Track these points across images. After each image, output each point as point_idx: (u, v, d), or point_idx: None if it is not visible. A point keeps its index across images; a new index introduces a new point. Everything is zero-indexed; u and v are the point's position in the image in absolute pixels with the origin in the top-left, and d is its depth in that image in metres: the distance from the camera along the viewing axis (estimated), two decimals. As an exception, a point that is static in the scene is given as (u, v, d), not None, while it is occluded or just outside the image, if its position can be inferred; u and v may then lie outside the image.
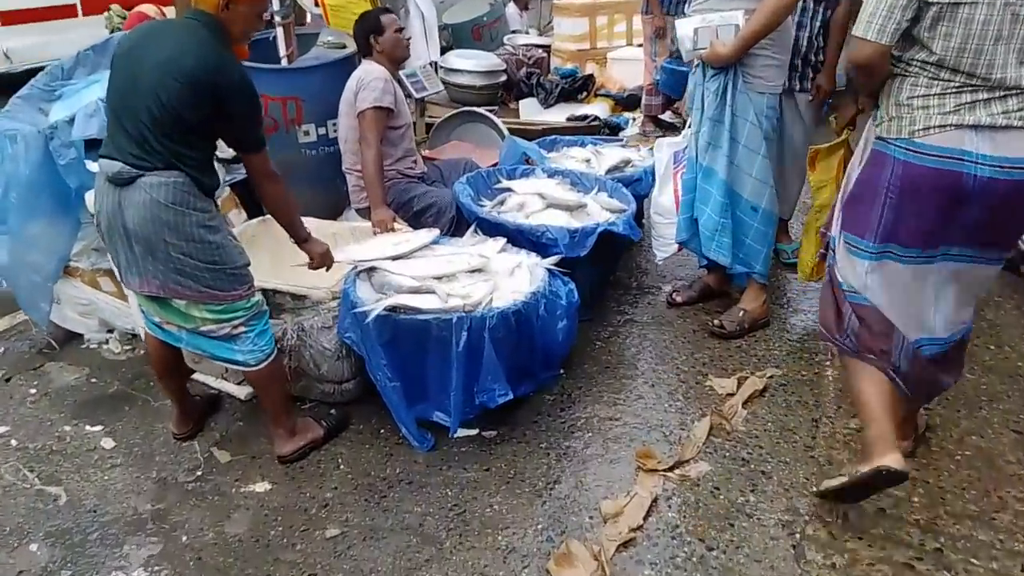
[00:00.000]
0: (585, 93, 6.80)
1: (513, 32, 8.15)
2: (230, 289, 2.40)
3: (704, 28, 2.89)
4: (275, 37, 3.99)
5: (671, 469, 2.47)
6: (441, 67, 6.10)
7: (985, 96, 1.89)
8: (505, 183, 3.69)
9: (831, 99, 3.53)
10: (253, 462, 2.67)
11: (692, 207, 3.20)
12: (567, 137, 4.40)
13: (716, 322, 3.25)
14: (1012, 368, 3.01)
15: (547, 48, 7.45)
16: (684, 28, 2.99)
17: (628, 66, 7.12)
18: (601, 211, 3.38)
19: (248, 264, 2.47)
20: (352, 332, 2.65)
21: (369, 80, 3.32)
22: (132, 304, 3.09)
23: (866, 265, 2.09)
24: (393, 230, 3.19)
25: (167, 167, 2.26)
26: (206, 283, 2.35)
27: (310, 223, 3.40)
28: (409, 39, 3.61)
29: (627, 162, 3.95)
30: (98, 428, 2.89)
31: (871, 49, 1.95)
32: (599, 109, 6.51)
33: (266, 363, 2.52)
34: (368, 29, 3.49)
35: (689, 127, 3.26)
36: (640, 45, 6.59)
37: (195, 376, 3.02)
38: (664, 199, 3.45)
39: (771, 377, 2.93)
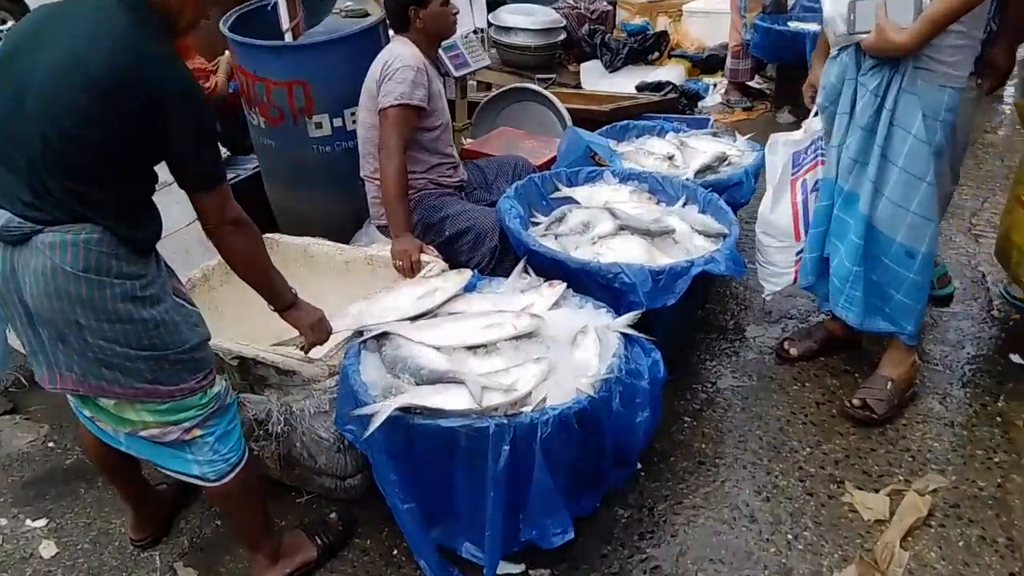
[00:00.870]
0: (657, 54, 5.88)
1: (574, -18, 7.17)
2: (178, 382, 1.70)
3: (865, 1, 1.99)
4: (275, 4, 3.19)
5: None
6: (491, 24, 5.24)
7: None
8: (565, 191, 2.88)
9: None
10: (226, 590, 2.01)
11: (823, 243, 2.35)
12: (641, 122, 3.53)
13: (856, 401, 2.40)
14: None
15: (612, 1, 6.48)
16: (834, 2, 2.10)
17: (707, 21, 6.18)
18: (692, 235, 2.56)
19: (205, 341, 1.77)
20: (354, 426, 1.92)
21: (396, 68, 2.53)
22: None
23: None
24: (418, 266, 2.43)
25: (74, 219, 1.55)
26: (141, 377, 1.66)
27: (316, 248, 2.69)
28: (457, 12, 2.78)
29: (722, 159, 3.09)
30: (41, 523, 2.26)
31: None
32: (674, 73, 5.59)
33: (232, 476, 1.83)
34: (409, -1, 2.64)
35: (814, 116, 2.40)
36: (724, -4, 5.60)
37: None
38: (778, 217, 2.59)
39: (935, 491, 2.11)
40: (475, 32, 4.29)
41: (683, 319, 2.59)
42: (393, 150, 2.51)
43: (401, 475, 1.84)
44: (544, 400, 1.81)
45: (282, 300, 1.90)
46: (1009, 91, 4.39)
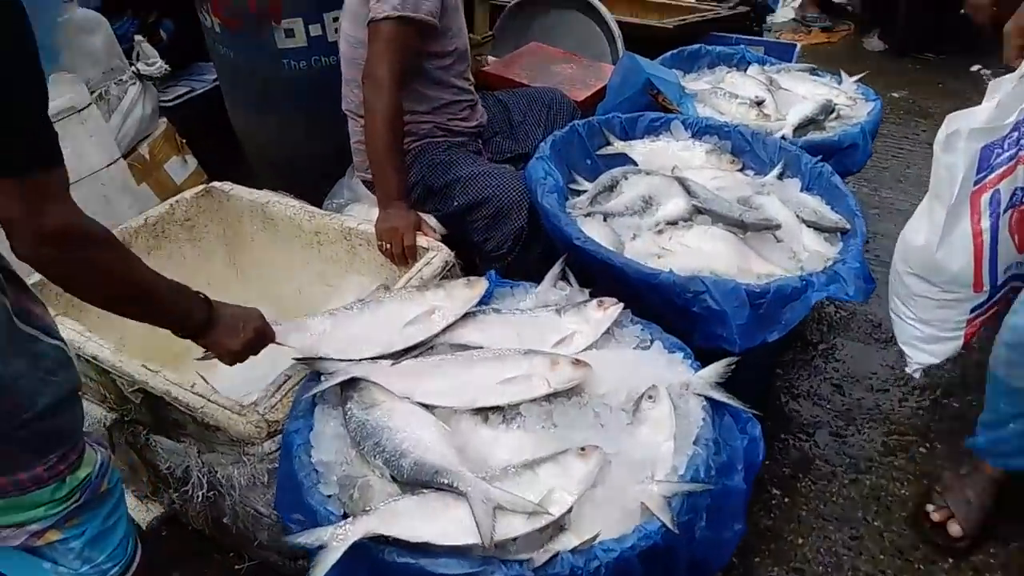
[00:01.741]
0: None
1: None
2: (14, 469, 1.05)
3: None
4: None
5: None
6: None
7: None
8: (618, 146, 2.13)
9: None
10: None
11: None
12: (716, 47, 2.72)
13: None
14: None
15: None
16: None
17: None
18: (799, 227, 1.83)
19: (69, 396, 1.10)
20: (303, 515, 1.27)
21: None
22: None
23: None
24: (412, 253, 1.73)
25: None
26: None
27: (277, 208, 1.97)
28: None
29: (828, 110, 2.31)
30: None
31: None
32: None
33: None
34: None
35: (1021, 78, 1.59)
36: None
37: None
38: (948, 254, 1.64)
39: None
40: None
41: (775, 355, 1.89)
42: (384, 82, 1.75)
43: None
44: (595, 536, 1.14)
45: (188, 322, 1.25)
46: None
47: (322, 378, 1.36)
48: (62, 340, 1.08)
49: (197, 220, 2.06)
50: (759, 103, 2.32)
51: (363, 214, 2.10)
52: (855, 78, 2.52)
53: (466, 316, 1.49)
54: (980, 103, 1.57)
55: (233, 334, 1.32)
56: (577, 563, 1.10)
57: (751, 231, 1.77)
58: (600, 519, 1.17)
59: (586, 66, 2.81)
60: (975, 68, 3.01)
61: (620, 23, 3.06)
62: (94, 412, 1.53)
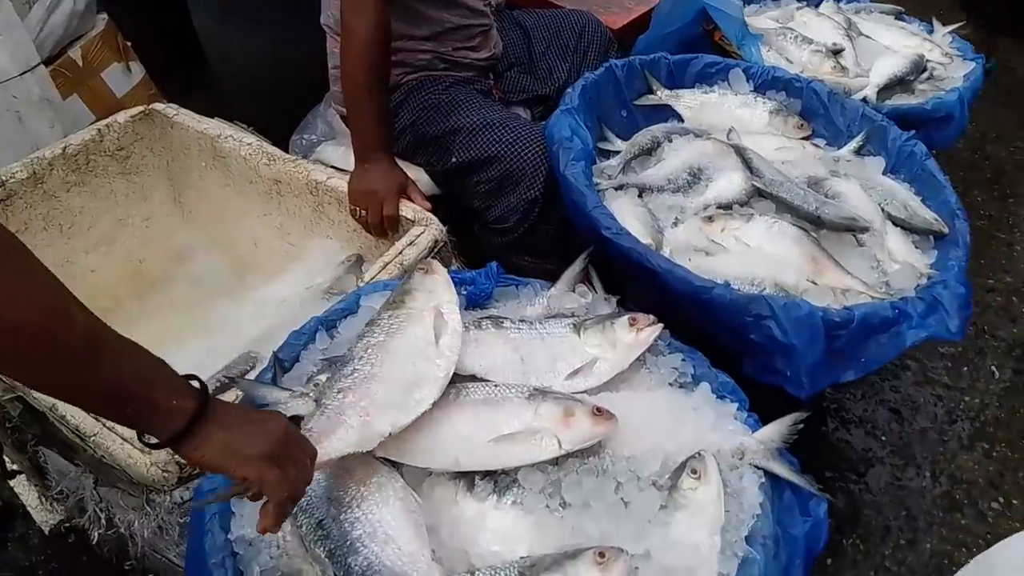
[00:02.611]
0: None
1: None
2: None
3: None
4: None
5: None
6: None
7: None
8: (662, 95, 1.71)
9: None
10: None
11: None
12: (782, -27, 2.24)
13: None
14: None
15: None
16: None
17: None
18: (885, 228, 1.44)
19: None
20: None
21: None
22: None
23: None
24: (392, 225, 1.35)
25: None
26: None
27: (231, 143, 1.56)
28: None
29: (919, 68, 1.88)
30: None
31: None
32: None
33: None
34: None
35: None
36: None
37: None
38: None
39: None
40: None
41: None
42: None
43: None
44: None
45: (164, 425, 0.72)
46: None
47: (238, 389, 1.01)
48: None
49: (133, 150, 1.66)
50: (835, 52, 1.89)
51: (339, 158, 1.71)
52: (949, 28, 2.07)
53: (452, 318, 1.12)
54: None
55: (251, 438, 0.75)
56: None
57: (827, 230, 1.39)
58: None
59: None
60: None
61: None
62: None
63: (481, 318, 1.16)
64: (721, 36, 1.86)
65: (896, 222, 1.46)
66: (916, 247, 1.44)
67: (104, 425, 1.04)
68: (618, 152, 1.60)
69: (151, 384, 0.70)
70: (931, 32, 2.08)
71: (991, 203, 2.43)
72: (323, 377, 1.07)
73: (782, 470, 1.04)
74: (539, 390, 1.05)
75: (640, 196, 1.48)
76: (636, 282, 1.27)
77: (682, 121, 1.69)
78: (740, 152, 1.51)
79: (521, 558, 0.91)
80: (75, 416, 1.04)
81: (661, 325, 1.15)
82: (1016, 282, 2.14)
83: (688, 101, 1.71)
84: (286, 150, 1.67)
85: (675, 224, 1.43)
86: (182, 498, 1.04)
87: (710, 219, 1.41)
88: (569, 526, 0.95)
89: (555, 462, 1.01)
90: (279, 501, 0.76)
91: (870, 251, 1.40)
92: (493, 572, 0.89)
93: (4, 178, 1.48)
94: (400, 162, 1.49)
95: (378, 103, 1.37)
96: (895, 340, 1.20)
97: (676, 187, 1.50)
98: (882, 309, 1.21)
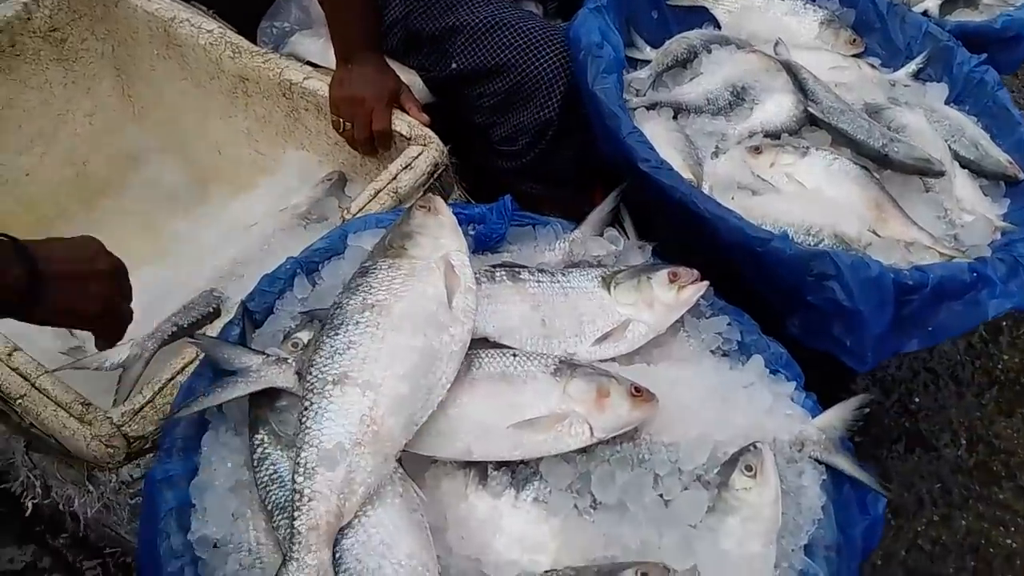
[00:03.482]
0: None
1: None
2: None
3: None
4: None
5: None
6: None
7: None
8: (700, -4, 1.47)
9: None
10: None
11: None
12: None
13: None
14: None
15: None
16: None
17: None
18: (954, 171, 1.25)
19: None
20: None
21: None
22: None
23: None
24: (384, 140, 1.13)
25: None
26: None
27: (188, 29, 1.30)
28: None
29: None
30: None
31: None
32: None
33: None
34: None
35: None
36: None
37: None
38: None
39: None
40: None
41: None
42: None
43: None
44: None
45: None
46: None
47: (221, 380, 0.81)
48: None
49: (70, 31, 1.39)
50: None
51: (316, 51, 1.44)
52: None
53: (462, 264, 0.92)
54: None
55: (83, 287, 0.81)
56: None
57: (894, 171, 1.20)
58: None
59: None
60: None
61: None
62: None
63: (494, 266, 0.97)
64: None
65: (963, 163, 1.27)
66: (985, 194, 1.26)
67: (33, 385, 0.85)
68: (647, 62, 1.37)
69: None
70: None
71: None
72: (303, 335, 0.88)
73: (846, 465, 0.90)
74: (566, 362, 0.87)
75: (675, 118, 1.26)
76: (673, 226, 1.08)
77: (719, 28, 1.45)
78: (792, 70, 1.29)
79: (545, 573, 0.76)
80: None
81: (707, 283, 0.98)
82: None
83: (728, 4, 1.46)
84: (253, 40, 1.41)
85: (715, 154, 1.23)
86: (131, 476, 0.86)
87: (757, 150, 1.20)
88: (601, 533, 0.80)
89: (583, 450, 0.84)
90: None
91: (937, 197, 1.21)
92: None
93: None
94: (390, 62, 1.25)
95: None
96: (973, 310, 1.03)
97: (716, 109, 1.28)
98: (959, 272, 1.04)
